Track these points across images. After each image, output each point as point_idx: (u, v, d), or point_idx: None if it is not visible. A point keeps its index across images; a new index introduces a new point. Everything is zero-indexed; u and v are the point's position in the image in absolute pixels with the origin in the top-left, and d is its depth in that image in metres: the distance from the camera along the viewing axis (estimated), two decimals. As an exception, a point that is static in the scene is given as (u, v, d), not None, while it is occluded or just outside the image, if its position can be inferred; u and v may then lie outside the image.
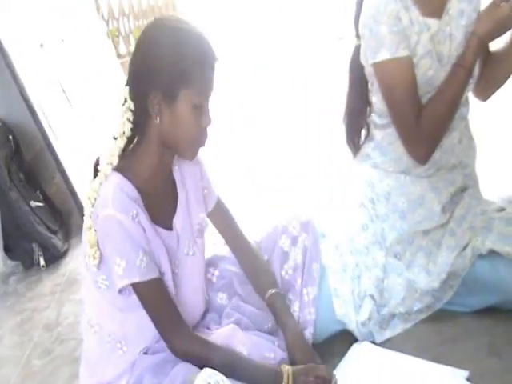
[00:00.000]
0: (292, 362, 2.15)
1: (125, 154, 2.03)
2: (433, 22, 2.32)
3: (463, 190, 2.52)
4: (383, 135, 2.47)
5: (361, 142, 2.60)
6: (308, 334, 2.35)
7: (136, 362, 2.10)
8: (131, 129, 2.00)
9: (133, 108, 1.97)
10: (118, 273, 1.94)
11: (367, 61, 2.37)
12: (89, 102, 5.02)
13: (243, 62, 7.66)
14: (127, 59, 6.78)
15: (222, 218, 2.38)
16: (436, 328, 2.41)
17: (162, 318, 2.01)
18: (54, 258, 3.76)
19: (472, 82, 2.38)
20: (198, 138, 2.03)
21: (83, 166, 4.17)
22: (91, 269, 2.03)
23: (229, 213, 2.41)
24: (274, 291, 2.33)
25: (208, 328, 2.27)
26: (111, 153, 2.00)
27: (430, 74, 2.32)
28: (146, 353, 2.11)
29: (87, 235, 1.97)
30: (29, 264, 3.74)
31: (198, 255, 2.25)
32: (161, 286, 2.02)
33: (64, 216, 4.16)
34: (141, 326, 2.05)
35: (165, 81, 1.92)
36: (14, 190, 3.76)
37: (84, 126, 4.68)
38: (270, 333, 2.30)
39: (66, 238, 3.97)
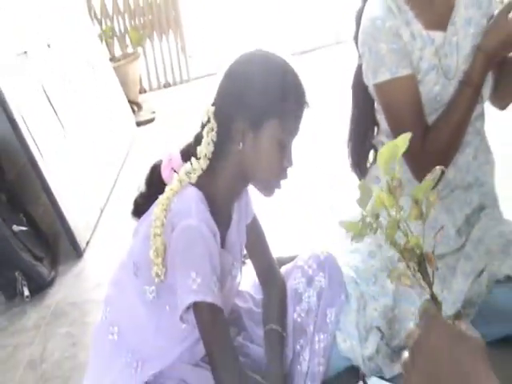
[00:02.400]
0: None
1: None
2: (437, 35, 2.37)
3: (480, 209, 2.58)
4: None
5: (368, 165, 2.67)
6: None
7: None
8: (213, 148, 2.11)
9: (216, 129, 2.08)
10: (192, 287, 1.95)
11: (369, 81, 2.43)
12: (78, 115, 5.07)
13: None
14: (122, 62, 6.88)
15: (253, 233, 2.45)
16: (451, 361, 2.47)
17: (217, 349, 2.01)
18: (40, 287, 3.78)
19: (481, 99, 2.42)
20: (277, 177, 2.13)
21: (71, 186, 4.27)
22: (143, 279, 2.10)
23: (261, 231, 2.50)
24: (274, 327, 2.38)
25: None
26: (192, 170, 2.09)
27: (437, 89, 2.37)
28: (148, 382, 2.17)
29: (155, 242, 2.00)
30: (11, 294, 3.75)
31: (237, 278, 2.35)
32: (223, 318, 2.05)
33: (50, 240, 4.19)
34: (166, 349, 2.10)
35: (253, 108, 2.03)
36: (-5, 214, 3.83)
37: (73, 142, 4.74)
38: None
39: (53, 265, 3.99)
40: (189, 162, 2.11)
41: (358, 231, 1.38)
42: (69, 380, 2.94)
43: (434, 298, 1.33)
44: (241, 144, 2.05)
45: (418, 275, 1.34)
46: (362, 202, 1.36)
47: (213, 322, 2.01)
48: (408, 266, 1.35)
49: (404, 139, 1.37)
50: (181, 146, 2.22)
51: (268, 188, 2.16)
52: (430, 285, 1.34)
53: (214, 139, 2.08)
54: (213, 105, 2.09)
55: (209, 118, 2.08)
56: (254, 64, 2.08)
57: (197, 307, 1.99)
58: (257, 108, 2.02)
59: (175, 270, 2.00)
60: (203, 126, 2.11)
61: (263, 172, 2.10)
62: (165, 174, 2.20)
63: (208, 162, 2.10)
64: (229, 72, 2.10)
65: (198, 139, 2.12)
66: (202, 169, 2.09)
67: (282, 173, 2.12)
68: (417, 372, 1.21)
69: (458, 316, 1.29)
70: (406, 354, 1.25)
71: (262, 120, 2.03)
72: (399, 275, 1.36)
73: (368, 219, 1.36)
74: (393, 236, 1.33)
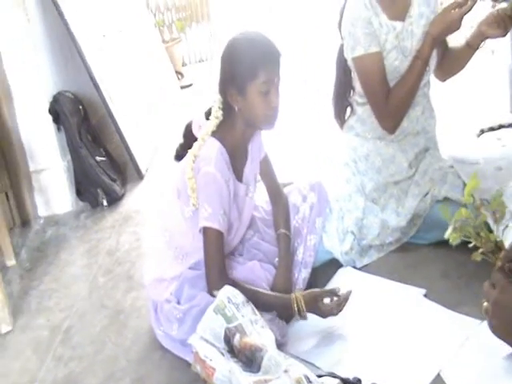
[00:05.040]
0: (271, 290, 2.18)
1: (218, 127, 2.13)
2: (398, 24, 2.35)
3: (426, 150, 2.54)
4: (363, 110, 2.49)
5: (346, 117, 2.63)
6: (306, 273, 2.37)
7: (183, 272, 2.20)
8: (222, 114, 2.12)
9: (221, 100, 2.11)
10: (204, 215, 2.03)
11: (348, 55, 2.39)
12: (142, 80, 5.00)
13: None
14: (170, 44, 6.77)
15: (265, 167, 2.42)
16: (402, 257, 2.44)
17: (211, 262, 2.05)
18: (114, 200, 3.77)
19: (428, 70, 2.39)
20: (270, 115, 2.09)
21: (136, 130, 4.22)
22: (183, 201, 2.14)
23: (271, 165, 2.45)
24: (283, 231, 2.38)
25: (233, 255, 2.34)
26: (209, 127, 2.11)
27: (396, 64, 2.35)
28: (190, 268, 2.20)
29: (189, 183, 2.05)
30: (95, 204, 3.75)
31: (253, 197, 2.35)
32: (221, 240, 2.06)
33: (121, 168, 4.16)
34: (200, 248, 2.08)
35: (236, 79, 2.03)
36: (84, 148, 3.75)
37: (137, 99, 4.67)
38: None
39: (123, 184, 3.96)
40: (208, 122, 2.14)
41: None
42: (135, 264, 2.93)
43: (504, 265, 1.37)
44: (236, 107, 2.07)
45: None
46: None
47: (214, 242, 2.05)
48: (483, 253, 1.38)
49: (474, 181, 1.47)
50: (205, 109, 2.21)
51: (268, 125, 2.14)
52: (499, 257, 1.38)
53: (221, 106, 2.11)
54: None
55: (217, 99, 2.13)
56: (231, 46, 2.08)
57: (205, 230, 2.04)
58: (237, 79, 2.02)
59: (198, 200, 2.05)
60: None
61: (258, 117, 2.09)
62: (195, 130, 2.19)
63: (218, 121, 2.11)
64: (221, 59, 2.11)
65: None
66: (214, 126, 2.11)
67: (272, 112, 2.08)
68: (495, 318, 1.33)
69: None
70: (485, 304, 1.36)
71: (244, 85, 2.02)
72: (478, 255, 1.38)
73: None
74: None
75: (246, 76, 2.01)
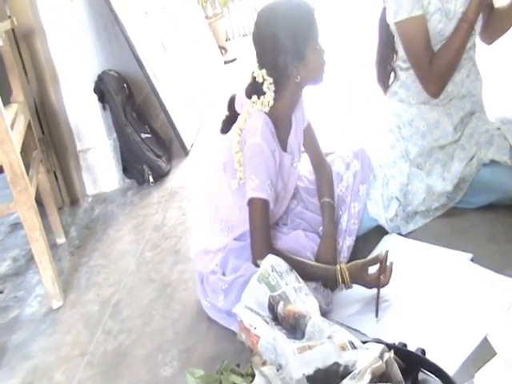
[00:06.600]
0: (316, 260, 2.18)
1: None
2: None
3: (472, 113, 2.49)
4: (407, 75, 2.45)
5: (389, 83, 2.59)
6: (350, 241, 2.36)
7: (228, 244, 2.22)
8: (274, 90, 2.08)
9: (272, 81, 2.05)
10: (252, 186, 2.01)
11: (390, 20, 2.35)
12: (184, 57, 5.03)
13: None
14: (213, 19, 6.76)
15: (309, 135, 2.40)
16: (448, 222, 2.41)
17: (257, 232, 2.04)
18: (160, 176, 3.81)
19: (474, 33, 2.33)
20: (324, 69, 2.11)
21: (180, 107, 4.25)
22: (229, 174, 2.13)
23: (314, 133, 2.44)
24: (327, 200, 2.37)
25: (277, 225, 2.34)
26: (262, 102, 2.06)
27: (440, 27, 2.29)
28: (235, 239, 2.22)
29: (236, 157, 2.05)
30: (141, 181, 3.80)
31: (298, 167, 2.35)
32: (267, 210, 2.04)
33: (166, 144, 4.20)
34: (246, 220, 2.07)
35: (293, 50, 2.01)
36: (129, 126, 3.81)
37: (181, 76, 4.70)
38: None
39: (169, 160, 4.01)
40: (253, 98, 2.09)
41: None
42: (181, 238, 2.97)
43: None
44: (298, 77, 2.05)
45: None
46: None
47: (260, 212, 2.03)
48: None
49: None
50: (244, 85, 2.17)
51: (320, 80, 2.14)
52: None
53: (274, 88, 2.06)
54: (261, 68, 2.07)
55: (263, 77, 2.06)
56: (276, 20, 2.02)
57: (252, 201, 2.02)
58: (294, 48, 2.01)
59: (245, 172, 2.04)
60: (255, 79, 2.08)
61: (317, 77, 2.11)
62: (237, 108, 2.18)
63: (274, 95, 2.08)
64: (261, 34, 2.06)
65: (256, 87, 2.09)
66: (267, 104, 2.07)
67: (325, 65, 2.11)
68: None
69: None
70: None
71: (303, 52, 2.01)
72: None
73: None
74: None
75: (302, 40, 2.00)
